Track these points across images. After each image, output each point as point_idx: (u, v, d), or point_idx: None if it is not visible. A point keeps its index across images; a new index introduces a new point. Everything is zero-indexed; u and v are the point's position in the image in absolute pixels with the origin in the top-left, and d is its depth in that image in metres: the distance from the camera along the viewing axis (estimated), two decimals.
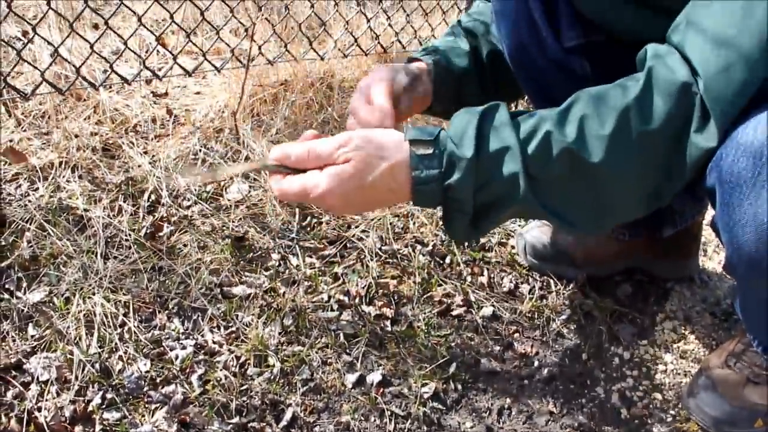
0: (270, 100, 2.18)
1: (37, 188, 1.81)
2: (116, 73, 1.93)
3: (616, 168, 1.01)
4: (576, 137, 1.00)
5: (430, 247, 1.85)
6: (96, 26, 2.60)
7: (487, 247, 1.90)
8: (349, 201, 1.04)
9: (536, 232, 1.84)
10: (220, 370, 1.46)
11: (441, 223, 1.17)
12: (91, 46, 1.86)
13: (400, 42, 2.54)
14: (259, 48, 2.11)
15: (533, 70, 1.45)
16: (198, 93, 2.30)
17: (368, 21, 2.42)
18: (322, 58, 2.30)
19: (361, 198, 1.04)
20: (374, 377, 1.49)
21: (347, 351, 1.55)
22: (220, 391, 1.42)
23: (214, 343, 1.52)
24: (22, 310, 1.52)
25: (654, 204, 1.10)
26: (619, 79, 1.05)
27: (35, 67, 1.88)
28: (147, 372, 1.44)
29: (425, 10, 2.63)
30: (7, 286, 1.57)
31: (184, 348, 1.50)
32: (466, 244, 1.87)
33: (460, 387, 1.52)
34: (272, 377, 1.47)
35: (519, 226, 1.94)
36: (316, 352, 1.53)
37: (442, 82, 1.40)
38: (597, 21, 1.34)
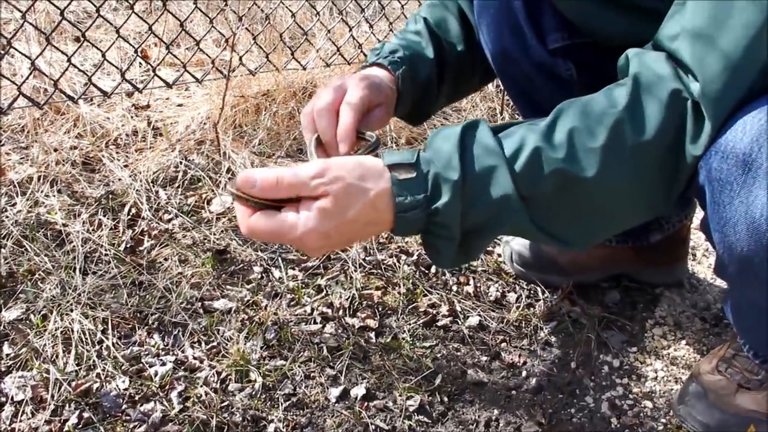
0: (252, 110, 2.16)
1: (15, 203, 1.78)
2: (95, 86, 1.91)
3: (610, 181, 0.97)
4: (566, 152, 0.95)
5: (414, 257, 1.83)
6: (78, 39, 2.58)
7: None
8: (329, 240, 0.94)
9: (522, 239, 1.81)
10: (201, 386, 1.43)
11: (424, 252, 1.08)
12: (69, 59, 1.84)
13: None
14: (240, 58, 2.09)
15: (518, 75, 1.43)
16: (180, 105, 2.28)
17: (350, 30, 2.40)
18: (304, 68, 2.28)
19: (340, 235, 0.94)
20: (358, 391, 1.46)
21: (331, 364, 1.52)
22: (201, 408, 1.39)
23: (194, 358, 1.49)
24: None
25: (651, 214, 1.07)
26: (604, 88, 1.02)
27: (12, 82, 1.85)
28: (125, 390, 1.41)
29: (407, 17, 2.60)
30: None
31: (163, 364, 1.47)
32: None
33: (446, 399, 1.49)
34: (254, 393, 1.43)
35: None
36: (299, 366, 1.50)
37: (406, 91, 1.34)
38: (580, 24, 1.32)
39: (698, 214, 2.09)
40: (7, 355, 1.45)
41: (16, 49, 1.83)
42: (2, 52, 1.82)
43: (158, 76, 2.02)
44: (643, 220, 1.08)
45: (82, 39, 1.89)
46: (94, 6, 1.85)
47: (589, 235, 1.07)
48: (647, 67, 0.99)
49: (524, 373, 1.58)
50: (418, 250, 1.84)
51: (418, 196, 0.93)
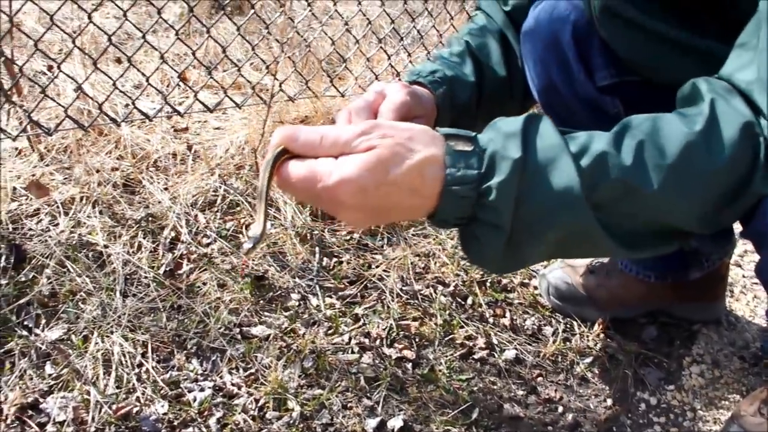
0: None
1: (58, 223, 1.80)
2: (138, 109, 1.94)
3: (670, 200, 0.92)
4: (633, 162, 0.89)
5: (451, 288, 1.83)
6: (119, 60, 2.62)
7: (509, 288, 1.87)
8: (365, 198, 0.84)
9: (559, 272, 1.81)
10: (239, 413, 1.43)
11: (463, 251, 0.97)
12: (114, 83, 1.87)
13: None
14: (280, 84, 2.11)
15: (563, 110, 1.43)
16: (218, 128, 2.30)
17: (389, 57, 2.41)
18: (342, 95, 2.30)
19: (377, 197, 0.85)
20: (395, 423, 1.46)
21: (368, 395, 1.52)
22: None
23: (232, 385, 1.50)
24: (40, 348, 1.50)
25: (697, 231, 1.04)
26: (675, 110, 1.00)
27: (59, 104, 1.88)
28: (164, 414, 1.42)
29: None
30: (25, 323, 1.56)
31: (202, 390, 1.48)
32: (488, 281, 1.84)
33: None
34: (292, 421, 1.44)
35: (542, 266, 1.91)
36: (337, 396, 1.50)
37: (445, 112, 1.31)
38: (632, 63, 1.32)
39: (740, 254, 2.07)
40: (50, 374, 1.46)
41: (64, 73, 1.86)
42: (51, 75, 1.85)
43: (199, 101, 2.05)
44: (687, 238, 1.05)
45: (126, 62, 1.92)
46: (140, 31, 1.88)
47: (637, 247, 1.03)
48: (722, 96, 0.95)
49: (560, 409, 1.57)
50: (454, 281, 1.84)
51: (472, 171, 0.85)
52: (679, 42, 1.21)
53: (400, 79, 2.42)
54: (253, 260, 1.80)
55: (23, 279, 1.64)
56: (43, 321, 1.57)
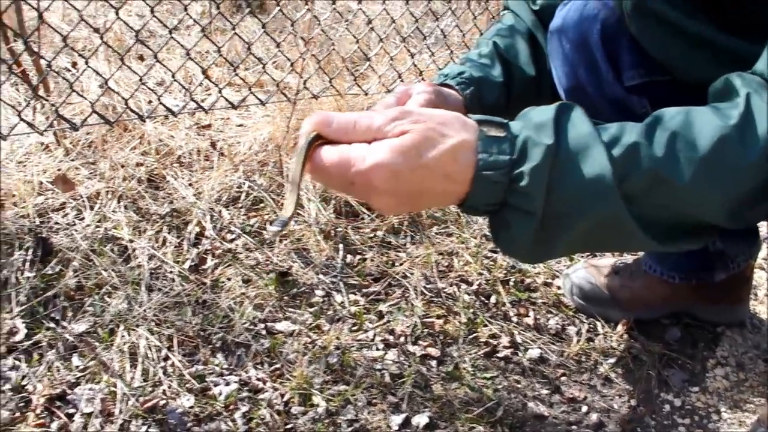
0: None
1: (83, 218, 1.81)
2: (163, 105, 1.95)
3: (701, 192, 0.91)
4: (665, 153, 0.88)
5: (474, 287, 1.82)
6: (141, 57, 2.63)
7: (532, 287, 1.87)
8: (398, 183, 0.84)
9: (583, 272, 1.80)
10: (265, 407, 1.44)
11: (492, 239, 0.96)
12: (140, 79, 1.88)
13: None
14: (305, 82, 2.11)
15: (590, 111, 1.41)
16: (241, 126, 2.31)
17: (412, 57, 2.42)
18: (366, 93, 2.30)
19: (411, 182, 0.85)
20: (420, 420, 1.46)
21: (393, 392, 1.52)
22: (265, 429, 1.40)
23: (258, 379, 1.50)
24: (68, 340, 1.51)
25: (726, 226, 1.03)
26: (711, 103, 0.99)
27: (86, 99, 1.89)
28: (191, 408, 1.42)
29: (468, 46, 2.62)
30: (53, 315, 1.57)
31: (227, 384, 1.48)
32: (513, 278, 1.83)
33: (508, 431, 1.48)
34: (317, 417, 1.44)
35: (565, 266, 1.90)
36: (362, 392, 1.50)
37: (472, 113, 1.33)
38: (662, 62, 1.31)
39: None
40: (77, 366, 1.47)
41: (92, 68, 1.87)
42: (76, 72, 1.86)
43: (224, 97, 2.05)
44: (715, 234, 1.04)
45: (148, 59, 1.93)
46: (166, 27, 1.89)
47: (667, 240, 1.02)
48: (757, 91, 0.94)
49: (585, 408, 1.57)
50: (478, 280, 1.84)
51: (504, 157, 0.85)
52: (711, 41, 1.20)
53: (423, 80, 2.44)
54: (278, 256, 1.80)
55: (50, 272, 1.65)
56: (70, 314, 1.58)
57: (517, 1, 1.52)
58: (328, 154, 0.85)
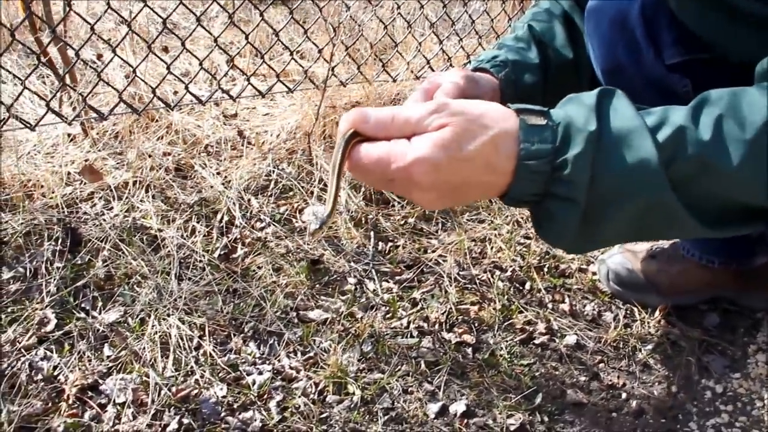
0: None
1: (112, 207, 1.80)
2: (191, 93, 1.93)
3: (749, 176, 0.87)
4: (711, 137, 0.85)
5: (509, 273, 1.79)
6: (166, 49, 2.62)
7: (567, 274, 1.83)
8: (439, 176, 0.83)
9: (619, 258, 1.76)
10: (299, 396, 1.41)
11: (535, 229, 0.93)
12: (168, 67, 1.86)
13: None
14: (332, 69, 2.09)
15: (629, 91, 1.38)
16: (267, 114, 2.29)
17: (440, 43, 2.38)
18: (394, 80, 2.27)
19: (452, 174, 0.83)
20: (458, 407, 1.43)
21: (429, 379, 1.49)
22: (299, 418, 1.37)
23: (291, 368, 1.48)
24: (98, 330, 1.50)
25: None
26: (757, 84, 0.95)
27: (114, 88, 1.88)
28: (224, 397, 1.40)
29: (497, 32, 2.58)
30: (83, 305, 1.56)
31: (260, 373, 1.46)
32: (548, 265, 1.80)
33: (546, 419, 1.45)
34: (352, 405, 1.41)
35: (600, 251, 1.86)
36: (397, 380, 1.47)
37: (509, 96, 1.28)
38: (704, 38, 1.27)
39: None
40: (108, 356, 1.46)
41: (119, 57, 1.85)
42: (102, 63, 1.84)
43: (252, 85, 2.03)
44: (765, 217, 1.00)
45: (172, 49, 1.91)
46: (195, 16, 1.87)
47: (720, 225, 0.98)
48: None
49: (624, 395, 1.53)
50: (511, 266, 1.81)
51: (546, 145, 0.83)
52: (755, 15, 1.16)
53: (452, 66, 2.41)
54: (308, 244, 1.78)
55: (79, 262, 1.64)
56: (100, 303, 1.57)
57: None
58: (367, 151, 0.84)
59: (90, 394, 1.38)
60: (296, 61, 2.13)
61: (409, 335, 1.59)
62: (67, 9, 1.67)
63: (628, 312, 1.73)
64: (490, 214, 1.98)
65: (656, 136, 0.84)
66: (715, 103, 0.87)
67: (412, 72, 2.34)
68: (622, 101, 0.87)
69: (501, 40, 1.48)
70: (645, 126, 0.84)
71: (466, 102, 0.87)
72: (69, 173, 1.87)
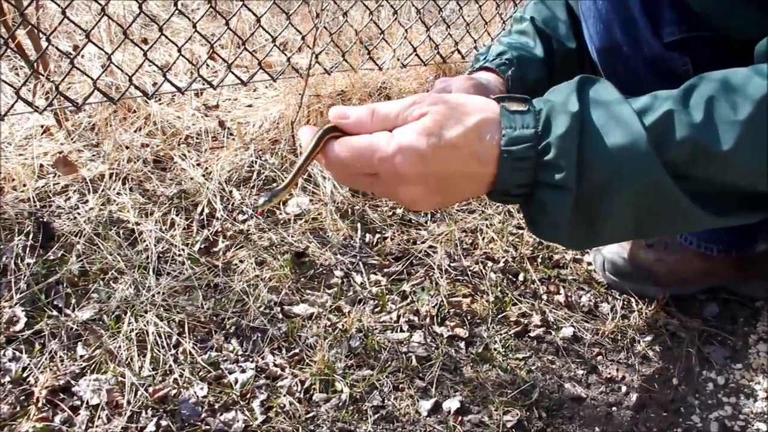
0: (326, 110, 2.08)
1: (87, 201, 1.72)
2: (170, 82, 1.85)
3: (745, 158, 0.83)
4: (702, 119, 0.81)
5: (501, 264, 1.73)
6: (145, 41, 2.55)
7: (561, 264, 1.77)
8: (426, 166, 0.80)
9: (615, 247, 1.71)
10: (284, 395, 1.34)
11: (529, 228, 0.90)
12: (145, 54, 1.79)
13: (459, 52, 2.43)
14: (316, 57, 2.01)
15: (625, 71, 1.33)
16: (250, 106, 2.22)
17: (428, 30, 2.31)
18: (380, 68, 2.20)
19: (438, 163, 0.81)
20: (451, 404, 1.36)
21: (420, 375, 1.43)
22: (285, 418, 1.30)
23: (275, 366, 1.41)
24: (71, 328, 1.42)
25: None
26: (750, 66, 0.91)
27: (88, 76, 1.80)
28: (204, 397, 1.33)
29: (485, 19, 2.52)
30: (55, 303, 1.48)
31: (243, 371, 1.39)
32: (540, 257, 1.73)
33: (544, 415, 1.38)
34: (340, 404, 1.34)
35: None
36: (387, 377, 1.41)
37: (516, 93, 1.27)
38: (704, 15, 1.21)
39: None
40: (81, 356, 1.38)
41: (94, 44, 1.77)
42: (75, 54, 1.77)
43: (233, 73, 1.96)
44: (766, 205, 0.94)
45: (151, 41, 1.84)
46: (173, 1, 1.79)
47: (724, 213, 0.93)
48: None
49: (624, 389, 1.47)
50: (504, 257, 1.74)
51: (528, 130, 0.80)
52: None
53: (439, 54, 2.35)
54: (293, 236, 1.71)
55: (52, 257, 1.56)
56: (74, 301, 1.49)
57: None
58: (347, 143, 0.82)
59: (61, 396, 1.30)
60: (278, 49, 2.06)
61: (399, 330, 1.52)
62: None
63: (626, 303, 1.68)
64: (480, 204, 1.92)
65: (643, 119, 0.80)
66: (705, 86, 0.84)
67: (398, 60, 2.27)
68: (604, 85, 0.85)
69: (503, 32, 1.47)
70: (631, 109, 0.81)
71: (443, 95, 0.84)
72: (42, 165, 1.79)
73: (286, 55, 2.10)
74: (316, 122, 2.03)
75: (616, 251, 1.70)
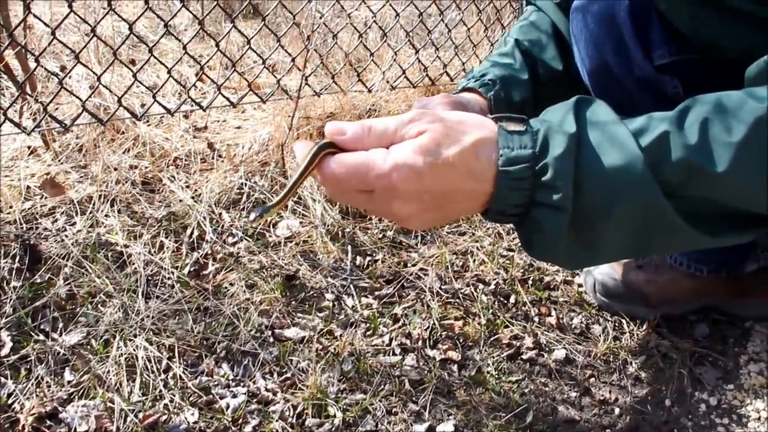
0: (316, 132, 2.08)
1: (75, 223, 1.71)
2: (159, 103, 1.84)
3: (740, 179, 0.83)
4: (698, 141, 0.81)
5: (492, 286, 1.72)
6: (133, 62, 2.54)
7: (552, 286, 1.77)
8: (422, 184, 0.79)
9: (605, 268, 1.71)
10: (276, 420, 1.33)
11: (524, 247, 0.90)
12: (134, 75, 1.78)
13: (448, 74, 2.44)
14: (306, 79, 2.01)
15: (617, 93, 1.33)
16: (239, 128, 2.22)
17: (416, 53, 2.32)
18: (369, 91, 2.21)
19: (434, 181, 0.80)
20: (445, 428, 1.35)
21: (413, 399, 1.41)
22: None
23: (267, 390, 1.39)
24: (58, 353, 1.40)
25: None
26: (744, 89, 0.91)
27: (77, 97, 1.79)
28: (195, 423, 1.31)
29: (474, 42, 2.53)
30: (42, 327, 1.46)
31: (235, 396, 1.37)
32: (531, 278, 1.73)
33: None
34: (333, 428, 1.33)
35: None
36: (380, 401, 1.39)
37: (500, 113, 1.27)
38: (694, 37, 1.22)
39: None
40: (69, 381, 1.36)
41: (83, 64, 1.76)
42: (63, 75, 1.76)
43: (222, 95, 1.96)
44: (764, 223, 0.95)
45: (139, 63, 1.83)
46: (163, 21, 1.79)
47: (718, 233, 0.93)
48: None
49: (617, 411, 1.46)
50: (495, 279, 1.74)
51: (526, 151, 0.80)
52: (744, 12, 1.12)
53: (428, 76, 2.36)
54: (283, 259, 1.70)
55: (39, 280, 1.54)
56: (61, 325, 1.47)
57: None
58: (343, 159, 0.81)
59: (48, 423, 1.28)
60: (268, 70, 2.06)
61: (391, 353, 1.51)
62: (26, 11, 1.57)
63: (617, 324, 1.68)
64: (471, 227, 1.92)
65: (639, 140, 0.81)
66: (700, 108, 0.84)
67: (387, 82, 2.28)
68: (600, 105, 0.85)
69: (489, 55, 1.46)
70: (627, 130, 0.81)
71: (441, 113, 0.84)
72: (29, 187, 1.77)
73: (275, 76, 2.10)
74: None
75: (607, 272, 1.70)
